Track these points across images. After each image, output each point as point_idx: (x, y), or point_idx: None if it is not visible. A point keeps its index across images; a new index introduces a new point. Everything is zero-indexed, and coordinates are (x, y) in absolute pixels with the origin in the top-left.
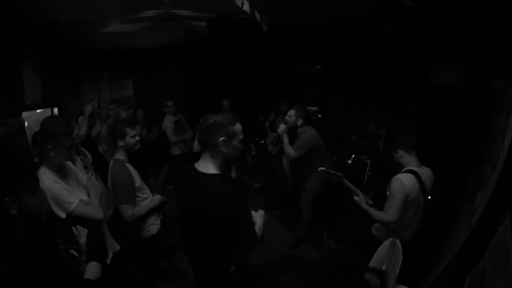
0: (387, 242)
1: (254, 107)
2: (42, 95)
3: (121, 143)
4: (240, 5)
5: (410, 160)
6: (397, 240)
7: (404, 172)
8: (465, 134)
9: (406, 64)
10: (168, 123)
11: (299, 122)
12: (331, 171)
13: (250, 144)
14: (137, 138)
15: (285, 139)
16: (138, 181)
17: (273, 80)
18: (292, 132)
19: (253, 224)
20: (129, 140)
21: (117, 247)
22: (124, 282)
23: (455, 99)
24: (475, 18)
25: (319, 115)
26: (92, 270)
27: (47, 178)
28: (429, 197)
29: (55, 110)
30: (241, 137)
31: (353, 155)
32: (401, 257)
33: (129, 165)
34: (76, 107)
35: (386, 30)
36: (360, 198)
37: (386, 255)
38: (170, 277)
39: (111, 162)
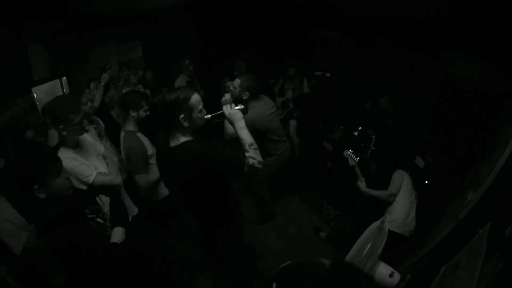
0: (375, 224)
1: (266, 70)
2: (49, 69)
3: (133, 114)
4: None
5: None
6: (385, 224)
7: None
8: (471, 130)
9: (426, 46)
10: (181, 82)
11: (245, 96)
12: (353, 155)
13: None
14: (148, 112)
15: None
16: (150, 149)
17: (286, 44)
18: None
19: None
20: (142, 113)
21: (136, 211)
22: (141, 241)
23: (469, 92)
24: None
25: (328, 75)
26: (118, 234)
27: (64, 158)
28: (426, 182)
29: (64, 79)
30: (201, 107)
31: (360, 128)
32: (385, 239)
33: (140, 134)
34: (85, 74)
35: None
36: (362, 184)
37: (373, 236)
38: (180, 232)
39: (122, 133)
